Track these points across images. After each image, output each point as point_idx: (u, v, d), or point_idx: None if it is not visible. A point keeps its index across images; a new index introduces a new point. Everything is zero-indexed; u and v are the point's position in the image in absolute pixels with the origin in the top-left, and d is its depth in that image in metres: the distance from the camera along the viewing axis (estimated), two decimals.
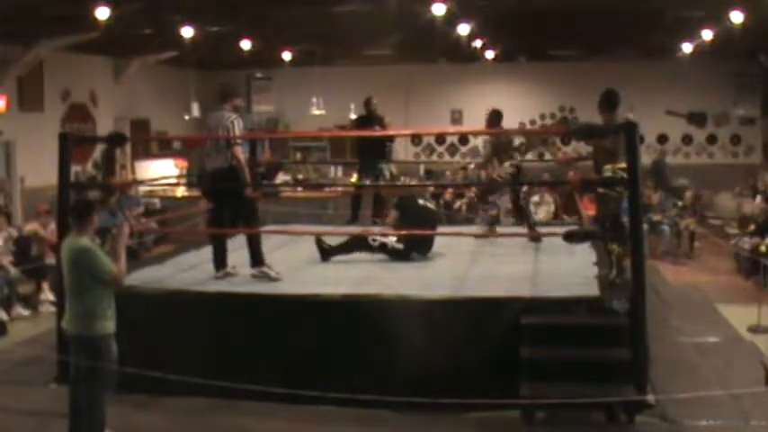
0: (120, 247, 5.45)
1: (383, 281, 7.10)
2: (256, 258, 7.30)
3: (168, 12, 11.28)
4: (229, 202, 7.37)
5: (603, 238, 6.94)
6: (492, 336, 6.25)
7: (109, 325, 5.36)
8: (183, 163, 18.02)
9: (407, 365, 6.30)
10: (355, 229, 9.40)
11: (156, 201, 15.87)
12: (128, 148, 16.20)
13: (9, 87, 13.11)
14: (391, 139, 11.44)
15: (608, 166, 6.68)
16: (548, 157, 18.67)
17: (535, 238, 8.67)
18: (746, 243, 11.99)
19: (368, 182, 10.52)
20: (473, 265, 7.97)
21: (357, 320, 6.44)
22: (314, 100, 17.47)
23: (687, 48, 15.02)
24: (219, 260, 7.44)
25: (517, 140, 11.37)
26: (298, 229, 9.79)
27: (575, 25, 12.88)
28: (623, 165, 6.47)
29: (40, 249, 10.72)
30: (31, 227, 11.09)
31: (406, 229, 8.09)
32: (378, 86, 18.71)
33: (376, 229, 9.07)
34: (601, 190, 6.74)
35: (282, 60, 17.02)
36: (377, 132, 10.40)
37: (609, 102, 6.90)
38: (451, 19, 11.42)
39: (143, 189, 15.44)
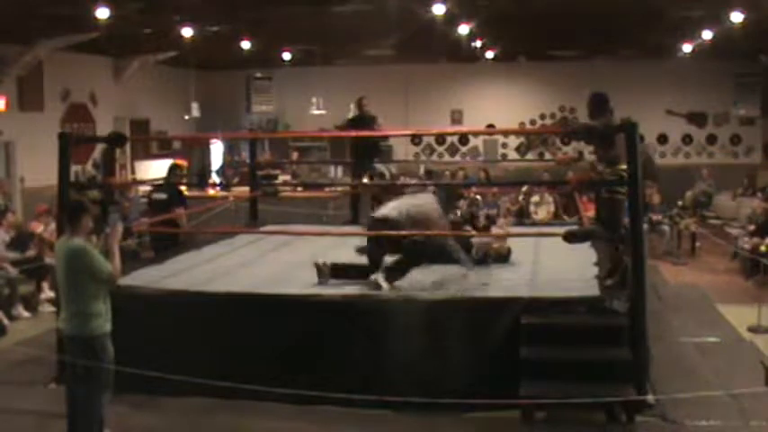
0: (114, 246, 5.44)
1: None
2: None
3: (168, 12, 11.29)
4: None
5: (606, 238, 6.91)
6: (492, 336, 6.25)
7: (104, 325, 5.35)
8: (183, 163, 18.00)
9: (408, 365, 6.30)
10: (353, 229, 9.38)
11: None
12: (128, 148, 16.21)
13: (9, 87, 13.12)
14: (385, 138, 11.39)
15: (608, 170, 6.65)
16: (548, 157, 18.69)
17: None
18: (746, 243, 11.99)
19: (365, 180, 10.50)
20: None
21: (357, 320, 6.44)
22: (314, 100, 17.47)
23: (687, 48, 15.04)
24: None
25: None
26: (298, 229, 9.79)
27: (575, 25, 12.88)
28: (624, 166, 6.48)
29: (40, 249, 10.71)
30: (13, 219, 11.05)
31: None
32: (378, 86, 18.76)
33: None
34: (606, 195, 6.69)
35: (282, 60, 17.03)
36: (376, 132, 10.39)
37: (598, 106, 6.87)
38: (451, 19, 11.43)
39: (143, 189, 15.43)
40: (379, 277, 6.76)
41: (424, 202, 7.18)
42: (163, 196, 9.59)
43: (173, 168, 11.16)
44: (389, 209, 7.05)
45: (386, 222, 6.89)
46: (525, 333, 6.09)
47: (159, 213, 9.32)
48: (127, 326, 5.84)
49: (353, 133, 11.06)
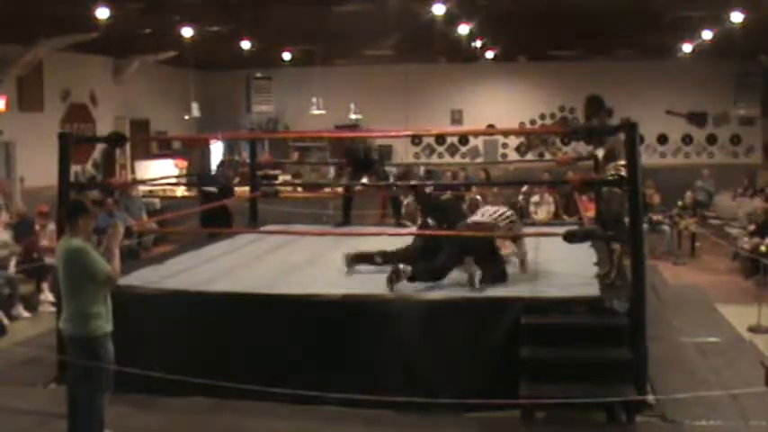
0: (114, 247, 5.43)
1: (383, 281, 7.08)
2: None
3: (168, 12, 11.28)
4: None
5: (606, 238, 6.93)
6: (492, 336, 6.25)
7: (103, 325, 5.34)
8: (183, 163, 18.00)
9: (408, 365, 6.30)
10: (347, 230, 9.39)
11: (156, 201, 15.87)
12: (128, 148, 16.22)
13: (9, 87, 13.12)
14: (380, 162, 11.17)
15: (610, 165, 6.70)
16: (548, 157, 18.68)
17: None
18: (746, 243, 11.99)
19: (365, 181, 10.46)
20: None
21: (357, 320, 6.44)
22: (314, 100, 17.46)
23: (687, 48, 15.03)
24: None
25: None
26: (298, 229, 9.80)
27: (575, 25, 12.88)
28: (623, 162, 6.51)
29: (37, 248, 10.71)
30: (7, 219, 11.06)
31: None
32: (377, 86, 18.84)
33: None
34: (605, 189, 6.75)
35: (282, 60, 17.02)
36: (375, 133, 10.38)
37: (593, 107, 7.00)
38: (451, 19, 11.43)
39: (143, 189, 15.44)
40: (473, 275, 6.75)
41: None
42: (214, 189, 11.57)
43: (222, 164, 13.93)
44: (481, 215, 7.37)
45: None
46: (525, 333, 6.09)
47: (211, 203, 11.04)
48: (127, 326, 5.84)
49: (352, 134, 11.04)
